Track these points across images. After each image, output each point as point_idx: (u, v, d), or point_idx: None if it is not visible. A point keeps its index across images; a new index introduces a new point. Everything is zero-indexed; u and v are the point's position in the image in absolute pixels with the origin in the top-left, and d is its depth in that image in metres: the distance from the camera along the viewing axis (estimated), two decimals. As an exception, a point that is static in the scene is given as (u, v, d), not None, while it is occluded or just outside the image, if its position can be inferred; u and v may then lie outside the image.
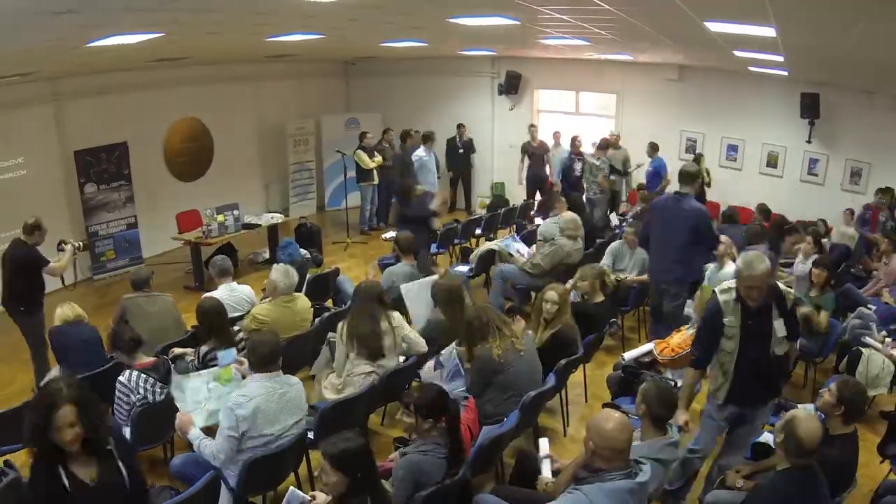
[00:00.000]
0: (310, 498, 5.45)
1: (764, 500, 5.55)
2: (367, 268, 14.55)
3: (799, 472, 5.58)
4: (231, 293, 10.35)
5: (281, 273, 9.67)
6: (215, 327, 8.60)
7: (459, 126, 21.54)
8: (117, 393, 7.75)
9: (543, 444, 6.86)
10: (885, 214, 14.94)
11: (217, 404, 7.48)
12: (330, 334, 9.54)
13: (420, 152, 19.53)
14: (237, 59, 17.94)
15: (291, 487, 5.54)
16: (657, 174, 18.91)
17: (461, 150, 21.59)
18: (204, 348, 8.44)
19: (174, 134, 16.58)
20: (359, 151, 19.24)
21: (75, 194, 15.89)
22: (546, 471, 6.51)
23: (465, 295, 9.94)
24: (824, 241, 14.15)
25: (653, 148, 19.08)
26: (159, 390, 7.77)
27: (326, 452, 5.15)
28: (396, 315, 9.17)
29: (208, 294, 9.95)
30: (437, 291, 9.82)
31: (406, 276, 11.35)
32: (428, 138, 19.96)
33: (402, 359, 9.06)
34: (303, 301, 9.94)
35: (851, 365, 9.75)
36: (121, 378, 7.79)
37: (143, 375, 7.79)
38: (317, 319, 10.24)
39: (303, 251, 14.81)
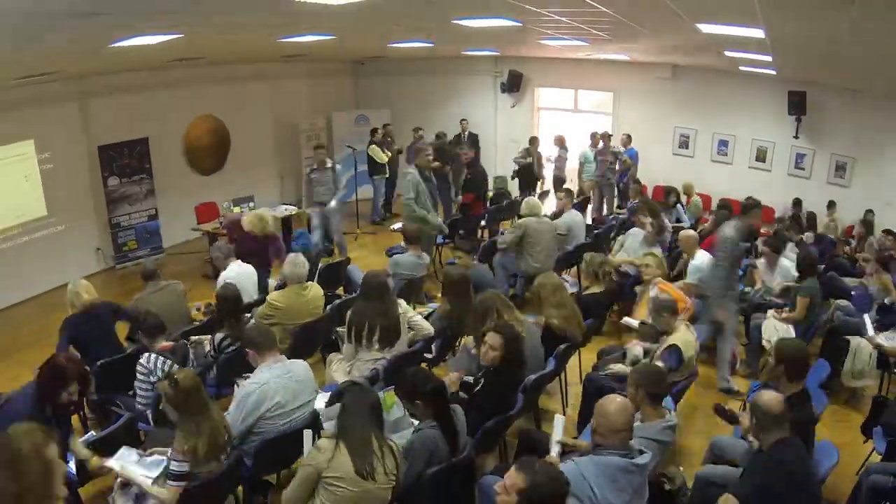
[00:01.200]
0: None
1: (763, 472, 5.55)
2: (376, 257, 14.59)
3: (784, 441, 5.63)
4: (240, 268, 10.49)
5: (290, 264, 9.68)
6: (231, 315, 8.62)
7: (462, 121, 21.43)
8: (138, 375, 7.81)
9: (559, 424, 6.84)
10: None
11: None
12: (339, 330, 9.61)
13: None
14: (252, 59, 17.93)
15: None
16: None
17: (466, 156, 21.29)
18: (219, 336, 8.47)
19: (193, 130, 16.58)
20: (373, 146, 19.21)
21: (99, 187, 15.92)
22: (554, 451, 6.51)
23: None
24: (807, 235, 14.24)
25: (627, 138, 19.45)
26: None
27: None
28: (402, 302, 9.19)
29: (228, 281, 9.96)
30: (445, 282, 9.82)
31: (411, 265, 11.41)
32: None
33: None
34: (315, 289, 9.92)
35: (836, 353, 9.75)
36: (141, 360, 7.83)
37: (162, 358, 7.80)
38: (328, 307, 10.25)
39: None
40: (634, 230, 13.03)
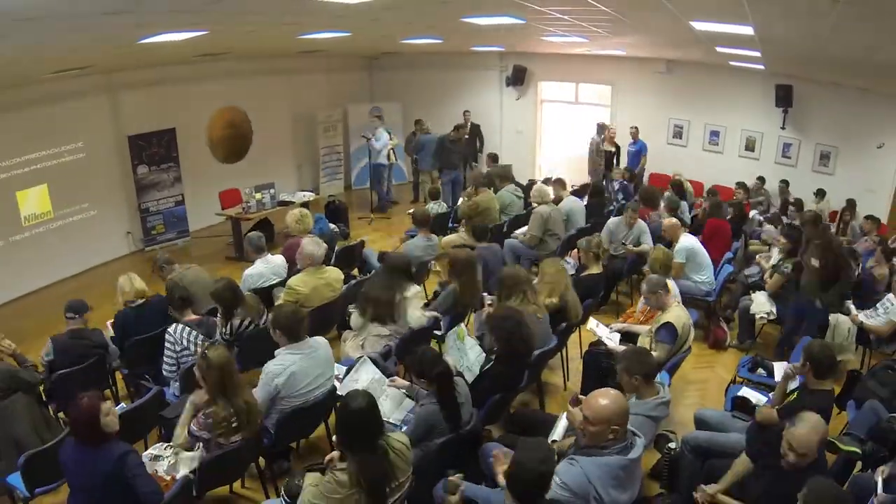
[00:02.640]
0: None
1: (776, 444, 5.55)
2: (390, 240, 14.61)
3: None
4: (267, 265, 10.43)
5: (314, 244, 9.60)
6: (231, 306, 8.46)
7: (465, 113, 21.45)
8: (166, 345, 7.85)
9: (560, 425, 6.83)
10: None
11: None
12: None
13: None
14: (273, 54, 17.97)
15: None
16: (638, 154, 19.40)
17: (466, 136, 21.09)
18: (236, 321, 8.38)
19: (217, 120, 16.57)
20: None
21: (129, 175, 15.97)
22: (557, 434, 6.51)
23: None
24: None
25: (634, 132, 19.50)
26: (201, 342, 7.79)
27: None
28: (414, 289, 9.11)
29: (246, 271, 10.27)
30: (452, 263, 9.79)
31: (422, 248, 11.42)
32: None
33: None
34: (334, 272, 9.89)
35: (820, 330, 9.77)
36: (169, 330, 7.90)
37: (188, 328, 7.87)
38: (344, 286, 10.26)
39: (332, 226, 14.91)
40: (614, 219, 13.06)
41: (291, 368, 6.87)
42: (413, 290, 9.04)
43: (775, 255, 11.53)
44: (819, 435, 5.23)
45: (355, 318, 8.84)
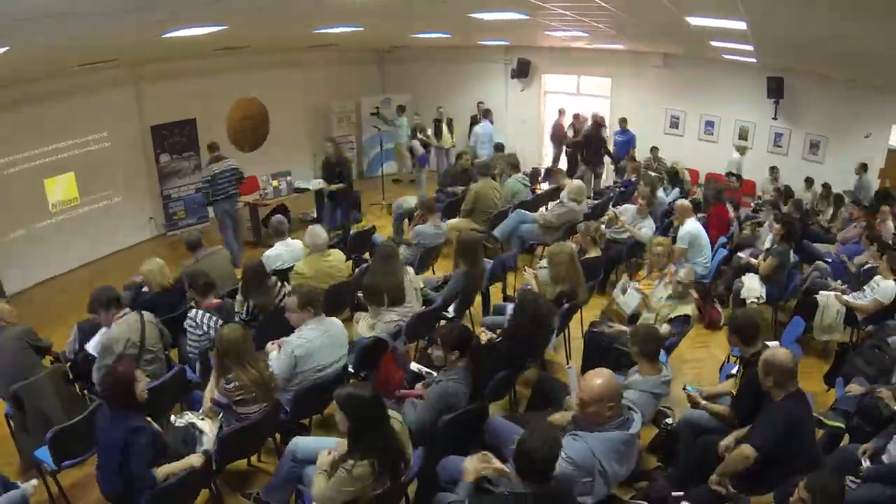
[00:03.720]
0: None
1: (775, 422, 5.56)
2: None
3: (794, 396, 5.69)
4: (286, 248, 10.49)
5: (310, 235, 9.75)
6: (255, 283, 8.64)
7: (479, 104, 21.39)
8: (188, 329, 7.92)
9: (573, 374, 6.87)
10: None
11: None
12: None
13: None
14: (289, 47, 18.03)
15: None
16: (626, 144, 19.47)
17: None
18: (252, 302, 8.52)
19: (236, 111, 16.55)
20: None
21: (152, 163, 16.06)
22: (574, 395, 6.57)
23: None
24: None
25: (623, 122, 19.68)
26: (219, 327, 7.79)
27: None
28: (410, 270, 9.25)
29: (266, 252, 10.29)
30: (460, 246, 9.80)
31: (431, 235, 11.45)
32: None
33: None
34: (336, 254, 9.96)
35: (809, 312, 9.79)
36: (190, 314, 7.94)
37: (208, 314, 7.90)
38: (357, 269, 10.39)
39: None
40: (629, 206, 13.03)
41: (311, 344, 7.01)
42: (411, 272, 9.20)
43: (768, 239, 11.55)
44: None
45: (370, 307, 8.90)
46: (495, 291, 11.30)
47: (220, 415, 6.51)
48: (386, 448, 5.16)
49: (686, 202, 11.96)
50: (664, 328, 8.19)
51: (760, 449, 5.50)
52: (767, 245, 11.42)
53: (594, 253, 10.53)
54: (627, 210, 12.81)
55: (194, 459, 5.80)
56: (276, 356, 7.04)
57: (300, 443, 6.29)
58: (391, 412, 5.57)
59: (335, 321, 7.43)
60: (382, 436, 5.24)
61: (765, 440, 5.55)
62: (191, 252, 9.89)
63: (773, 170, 17.54)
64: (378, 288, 8.61)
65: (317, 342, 7.04)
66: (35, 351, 7.43)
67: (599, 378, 5.26)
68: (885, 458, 5.88)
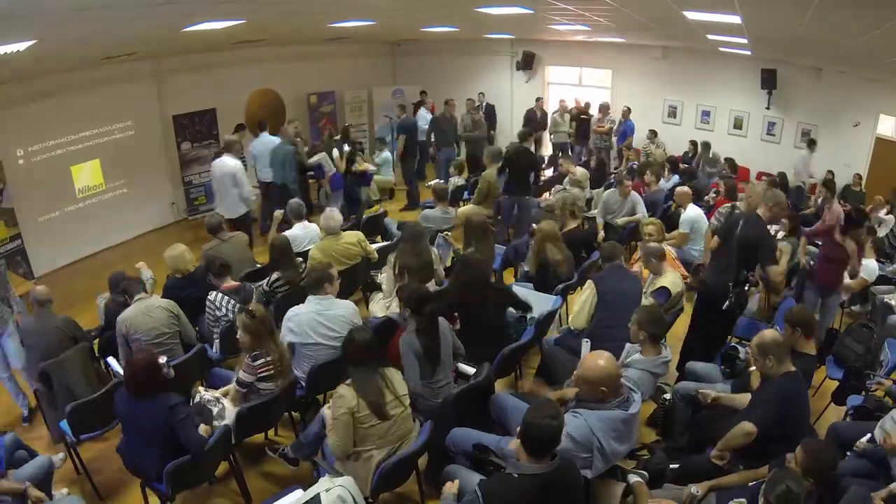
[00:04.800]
0: None
1: (773, 399, 5.59)
2: (410, 213, 14.66)
3: (790, 374, 5.70)
4: (304, 230, 10.53)
5: (324, 218, 9.83)
6: (282, 259, 8.71)
7: (480, 94, 21.41)
8: (207, 309, 8.02)
9: (585, 347, 6.91)
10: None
11: None
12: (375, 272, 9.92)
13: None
14: (304, 41, 17.93)
15: None
16: (624, 134, 19.43)
17: (483, 115, 20.98)
18: (274, 276, 8.57)
19: (253, 101, 16.56)
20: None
21: (173, 151, 16.03)
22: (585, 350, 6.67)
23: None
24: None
25: (626, 112, 19.61)
26: (236, 309, 7.85)
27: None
28: (434, 250, 9.36)
29: (284, 232, 10.23)
30: (467, 227, 9.86)
31: (438, 219, 11.47)
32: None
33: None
34: (347, 237, 9.95)
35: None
36: (210, 297, 8.01)
37: (227, 297, 7.99)
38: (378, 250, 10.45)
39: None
40: (611, 191, 12.99)
41: (301, 318, 7.20)
42: (435, 252, 9.24)
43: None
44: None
45: (387, 282, 8.94)
46: (508, 276, 11.28)
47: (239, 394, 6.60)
48: (362, 379, 5.61)
49: (686, 189, 12.02)
50: (647, 300, 8.22)
51: (760, 425, 5.53)
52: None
53: (572, 225, 10.59)
54: (609, 197, 12.84)
55: (203, 429, 5.94)
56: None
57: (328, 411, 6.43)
58: (391, 370, 5.93)
59: (340, 303, 7.48)
60: (362, 370, 5.67)
61: (765, 416, 5.57)
62: (212, 235, 9.92)
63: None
64: (410, 267, 8.60)
65: (304, 316, 7.18)
66: (73, 340, 7.45)
67: (601, 360, 5.31)
68: (877, 433, 5.90)
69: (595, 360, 5.33)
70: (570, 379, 6.38)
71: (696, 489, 5.41)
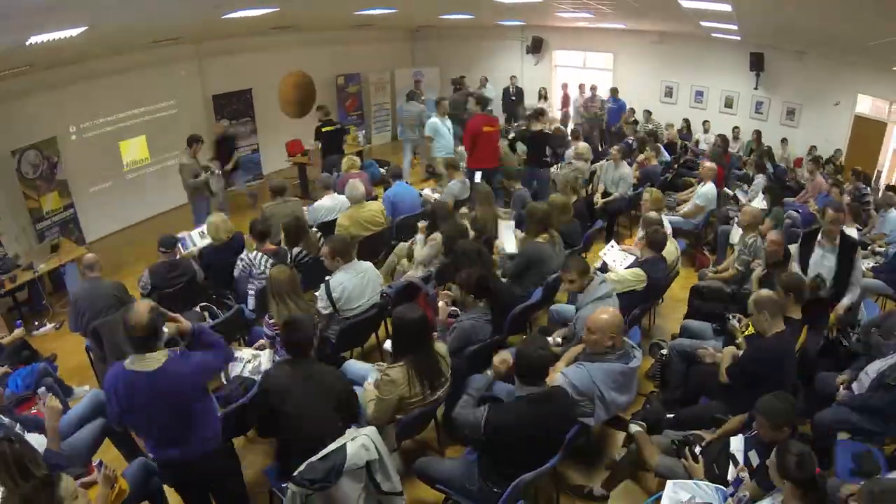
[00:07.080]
0: None
1: (763, 356, 5.59)
2: (425, 183, 14.61)
3: (781, 334, 5.72)
4: (333, 200, 10.49)
5: (349, 188, 9.90)
6: (300, 235, 8.64)
7: (512, 77, 21.39)
8: (241, 268, 8.06)
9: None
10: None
11: None
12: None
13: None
14: (332, 27, 18.01)
15: None
16: (619, 111, 19.47)
17: (513, 98, 21.18)
18: (296, 250, 8.49)
19: (287, 82, 16.55)
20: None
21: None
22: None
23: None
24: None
25: (614, 91, 19.83)
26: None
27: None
28: (465, 222, 9.21)
29: (314, 203, 10.45)
30: (476, 192, 9.98)
31: (458, 189, 11.44)
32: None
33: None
34: (371, 205, 10.03)
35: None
36: (248, 254, 8.10)
37: (265, 256, 8.01)
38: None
39: (381, 170, 15.32)
40: (608, 162, 12.94)
41: (348, 285, 7.03)
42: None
43: (760, 197, 11.74)
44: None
45: (419, 251, 8.86)
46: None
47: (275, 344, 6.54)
48: (419, 361, 5.43)
49: (713, 164, 12.03)
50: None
51: (745, 366, 5.68)
52: (755, 198, 11.87)
53: (573, 199, 10.59)
54: (603, 167, 12.93)
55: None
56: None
57: (349, 367, 6.54)
58: (439, 344, 5.80)
59: (368, 265, 7.43)
60: (419, 350, 5.46)
61: (750, 360, 5.69)
62: (275, 196, 10.12)
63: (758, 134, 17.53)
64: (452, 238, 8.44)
65: (349, 284, 7.05)
66: (121, 302, 7.46)
67: (605, 314, 5.42)
68: (855, 386, 5.95)
69: (601, 314, 5.43)
70: (574, 339, 6.43)
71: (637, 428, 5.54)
